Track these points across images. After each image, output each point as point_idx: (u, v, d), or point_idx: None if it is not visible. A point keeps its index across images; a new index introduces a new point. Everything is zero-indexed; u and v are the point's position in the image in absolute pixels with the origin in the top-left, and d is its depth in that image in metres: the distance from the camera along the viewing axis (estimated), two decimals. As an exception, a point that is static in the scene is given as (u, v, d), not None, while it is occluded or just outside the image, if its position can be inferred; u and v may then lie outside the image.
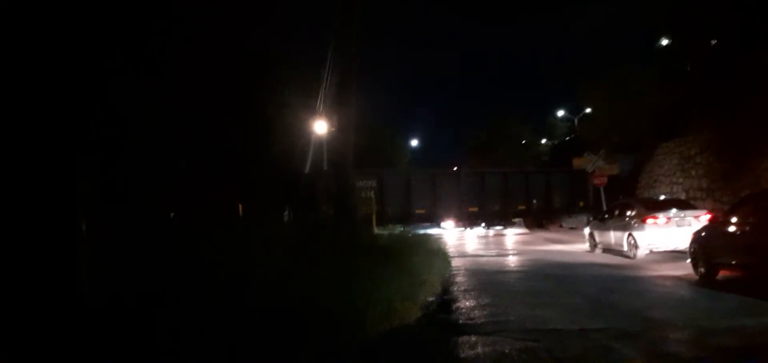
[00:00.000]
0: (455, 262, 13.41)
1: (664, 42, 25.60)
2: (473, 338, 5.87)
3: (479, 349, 5.41)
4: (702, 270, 9.78)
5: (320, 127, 25.13)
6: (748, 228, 8.82)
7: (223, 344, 4.95)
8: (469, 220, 27.92)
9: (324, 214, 12.07)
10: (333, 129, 22.73)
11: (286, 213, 18.09)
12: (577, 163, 27.81)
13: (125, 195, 7.02)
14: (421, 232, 19.58)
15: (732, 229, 9.20)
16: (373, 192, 20.96)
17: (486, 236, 28.17)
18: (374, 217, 15.64)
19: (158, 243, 6.63)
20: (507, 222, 31.35)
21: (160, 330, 4.89)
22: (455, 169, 30.41)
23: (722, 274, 9.50)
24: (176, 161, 8.96)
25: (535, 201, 25.84)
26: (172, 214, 8.64)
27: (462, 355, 5.26)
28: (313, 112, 24.81)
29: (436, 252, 12.14)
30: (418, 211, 22.49)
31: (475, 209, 25.30)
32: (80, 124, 6.24)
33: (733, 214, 9.62)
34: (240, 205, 13.47)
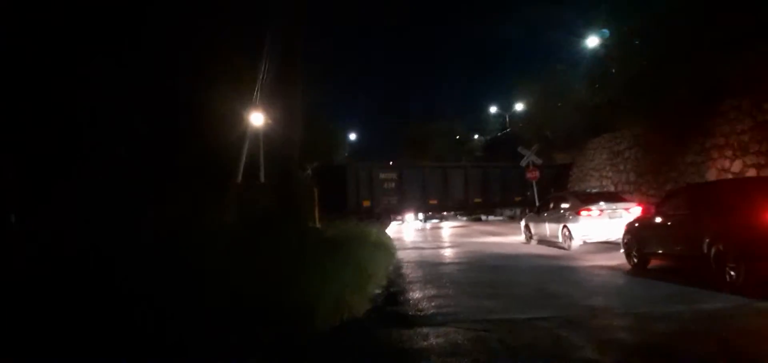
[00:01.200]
0: (397, 255, 13.46)
1: (592, 44, 26.56)
2: (425, 330, 5.86)
3: (432, 341, 5.40)
4: (635, 260, 10.24)
5: (257, 118, 24.51)
6: (676, 220, 9.30)
7: (170, 340, 4.70)
8: (408, 212, 28.36)
9: (267, 207, 11.75)
10: (271, 121, 22.21)
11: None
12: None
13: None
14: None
15: (662, 220, 9.68)
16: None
17: (424, 229, 28.53)
18: (316, 210, 15.43)
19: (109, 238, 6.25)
20: (443, 215, 31.90)
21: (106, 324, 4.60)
22: (391, 163, 30.67)
23: (653, 263, 9.98)
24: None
25: (472, 194, 26.50)
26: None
27: (416, 347, 5.24)
28: (247, 102, 24.09)
29: (380, 245, 12.13)
30: (364, 204, 22.99)
31: (415, 203, 25.83)
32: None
33: (662, 206, 10.14)
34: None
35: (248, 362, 4.68)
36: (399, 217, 30.86)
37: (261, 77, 22.28)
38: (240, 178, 23.82)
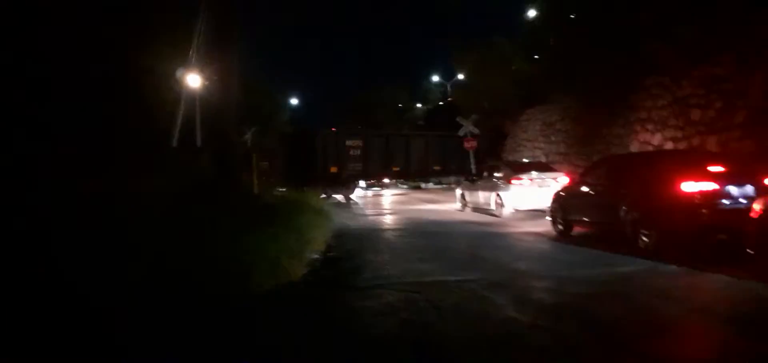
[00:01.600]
0: (337, 221, 13.62)
1: (531, 14, 27.26)
2: (359, 292, 6.09)
3: (365, 302, 5.64)
4: (560, 227, 10.83)
5: (193, 80, 23.86)
6: (598, 189, 9.91)
7: (101, 308, 4.66)
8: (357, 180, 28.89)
9: (203, 172, 11.57)
10: (207, 83, 21.73)
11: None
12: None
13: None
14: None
15: (585, 189, 10.28)
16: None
17: (365, 197, 28.79)
18: (255, 178, 15.34)
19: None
20: (384, 183, 32.36)
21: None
22: (334, 129, 30.82)
23: (577, 230, 10.59)
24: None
25: (432, 162, 27.55)
26: None
27: (349, 307, 5.46)
28: (182, 62, 23.40)
29: (319, 211, 12.26)
30: (331, 170, 23.89)
31: (378, 169, 26.85)
32: None
33: (585, 176, 10.75)
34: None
35: (181, 325, 4.73)
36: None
37: (197, 34, 21.67)
38: (175, 142, 23.21)
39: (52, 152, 8.17)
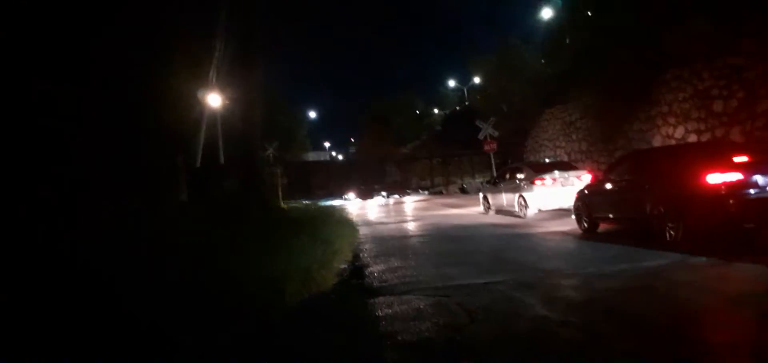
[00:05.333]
0: (362, 231, 13.77)
1: (546, 15, 27.27)
2: (389, 298, 6.20)
3: (396, 308, 5.74)
4: (585, 225, 10.82)
5: (214, 100, 24.33)
6: (622, 185, 9.88)
7: (137, 324, 4.79)
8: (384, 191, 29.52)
9: (229, 189, 11.83)
10: (229, 102, 22.16)
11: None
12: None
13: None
14: (327, 203, 19.92)
15: (609, 186, 10.26)
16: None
17: (387, 205, 28.98)
18: (280, 191, 15.59)
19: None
20: (406, 191, 32.64)
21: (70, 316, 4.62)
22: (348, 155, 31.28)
23: (602, 227, 10.58)
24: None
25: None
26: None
27: (380, 314, 5.56)
28: (203, 83, 23.92)
29: (344, 222, 12.41)
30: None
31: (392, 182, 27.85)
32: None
33: (609, 173, 10.72)
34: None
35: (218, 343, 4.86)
36: (361, 196, 31.67)
37: (218, 56, 22.16)
38: (199, 161, 23.64)
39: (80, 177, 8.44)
